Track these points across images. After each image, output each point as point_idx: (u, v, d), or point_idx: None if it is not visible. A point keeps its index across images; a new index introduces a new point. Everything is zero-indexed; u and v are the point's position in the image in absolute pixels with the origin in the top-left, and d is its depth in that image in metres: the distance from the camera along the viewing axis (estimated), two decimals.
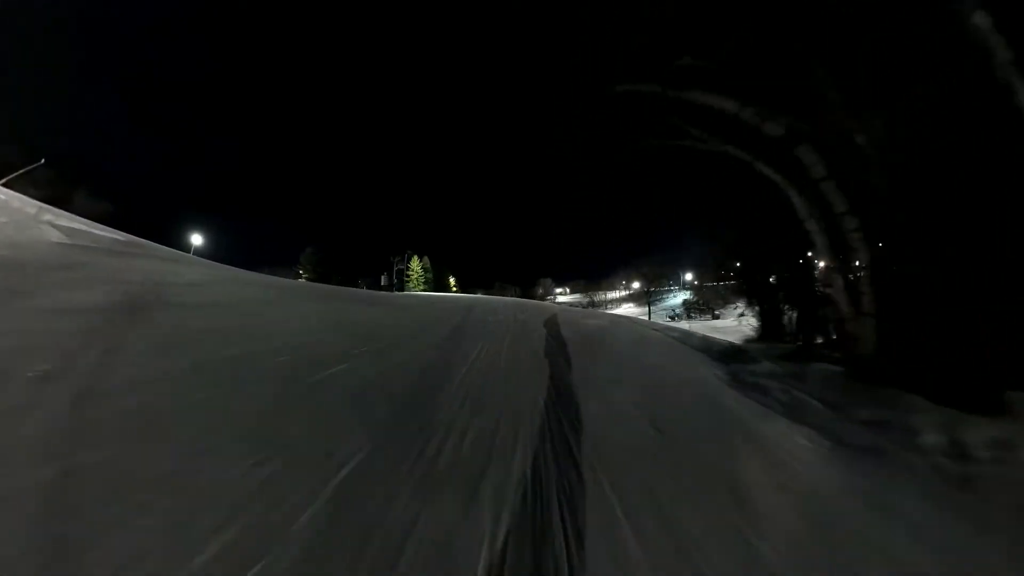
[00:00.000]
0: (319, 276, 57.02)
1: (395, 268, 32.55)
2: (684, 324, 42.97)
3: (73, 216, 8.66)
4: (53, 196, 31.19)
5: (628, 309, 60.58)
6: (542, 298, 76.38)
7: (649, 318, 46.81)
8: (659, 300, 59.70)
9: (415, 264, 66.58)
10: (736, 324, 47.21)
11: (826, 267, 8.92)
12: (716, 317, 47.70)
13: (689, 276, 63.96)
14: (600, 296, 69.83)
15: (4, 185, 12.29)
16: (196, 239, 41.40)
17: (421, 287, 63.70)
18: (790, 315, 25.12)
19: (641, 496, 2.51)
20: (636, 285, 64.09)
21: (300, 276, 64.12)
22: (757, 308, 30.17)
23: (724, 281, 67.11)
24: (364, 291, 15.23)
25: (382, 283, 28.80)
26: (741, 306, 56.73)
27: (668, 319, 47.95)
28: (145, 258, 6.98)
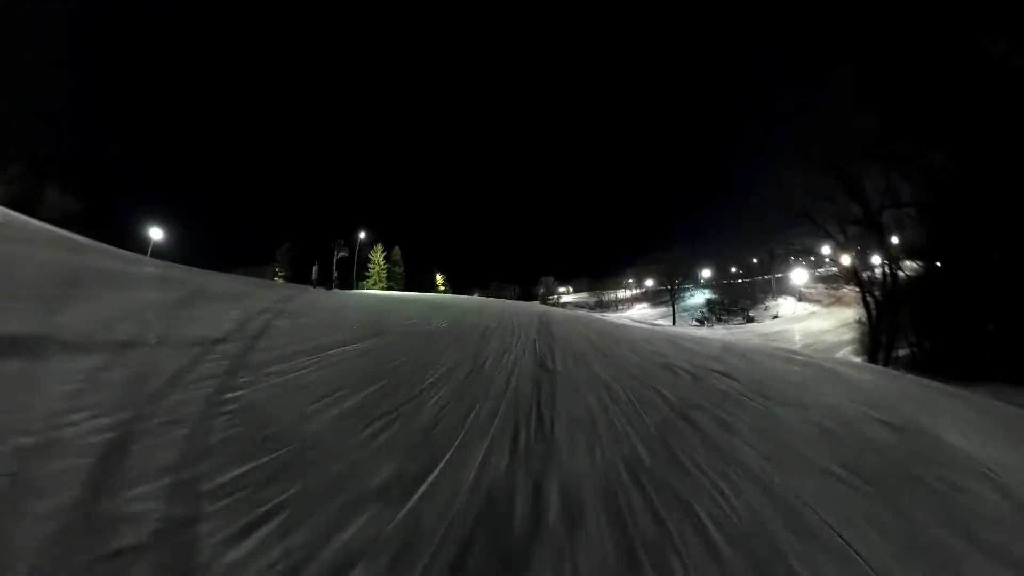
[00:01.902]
0: (297, 275, 49.10)
1: (336, 255, 25.95)
2: (721, 330, 37.12)
3: None
4: (22, 191, 28.32)
5: (642, 311, 54.67)
6: (543, 298, 70.26)
7: (673, 322, 40.79)
8: (676, 300, 53.70)
9: (377, 255, 52.96)
10: (776, 328, 41.34)
11: None
12: (751, 320, 41.80)
13: (707, 273, 58.15)
14: (609, 296, 63.81)
15: None
16: (156, 233, 38.08)
17: (381, 285, 50.82)
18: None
19: None
20: (649, 283, 58.16)
21: (277, 275, 56.69)
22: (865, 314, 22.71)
23: (750, 278, 61.55)
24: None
25: (312, 276, 23.09)
26: (771, 307, 51.02)
27: (695, 323, 41.96)
28: None
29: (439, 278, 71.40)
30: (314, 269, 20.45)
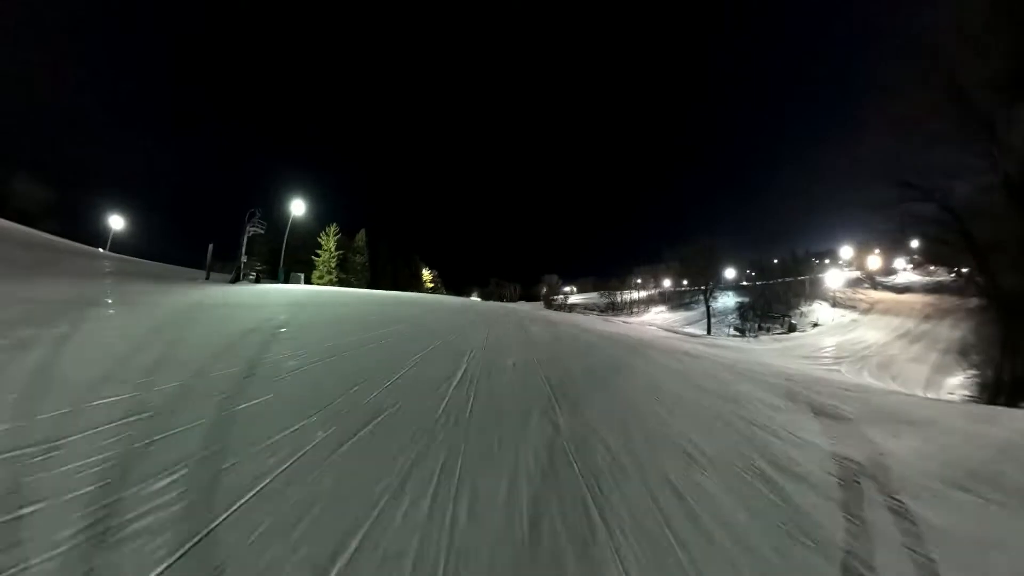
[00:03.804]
0: (273, 267, 41.51)
1: (247, 232, 20.48)
2: (770, 342, 31.97)
3: None
4: None
5: (661, 315, 49.35)
6: (547, 299, 64.62)
7: (708, 331, 35.49)
8: (697, 303, 48.52)
9: (328, 239, 40.50)
10: (831, 340, 36.28)
11: None
12: (793, 328, 36.79)
13: (730, 273, 52.96)
14: (622, 297, 58.33)
15: None
16: (116, 222, 35.57)
17: (327, 279, 39.09)
18: None
19: None
20: (667, 283, 52.89)
21: (257, 270, 49.30)
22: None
23: (770, 280, 56.60)
24: None
25: (207, 262, 18.01)
26: (807, 312, 46.19)
27: (734, 333, 36.67)
28: None
29: (426, 273, 64.08)
30: (209, 250, 14.70)
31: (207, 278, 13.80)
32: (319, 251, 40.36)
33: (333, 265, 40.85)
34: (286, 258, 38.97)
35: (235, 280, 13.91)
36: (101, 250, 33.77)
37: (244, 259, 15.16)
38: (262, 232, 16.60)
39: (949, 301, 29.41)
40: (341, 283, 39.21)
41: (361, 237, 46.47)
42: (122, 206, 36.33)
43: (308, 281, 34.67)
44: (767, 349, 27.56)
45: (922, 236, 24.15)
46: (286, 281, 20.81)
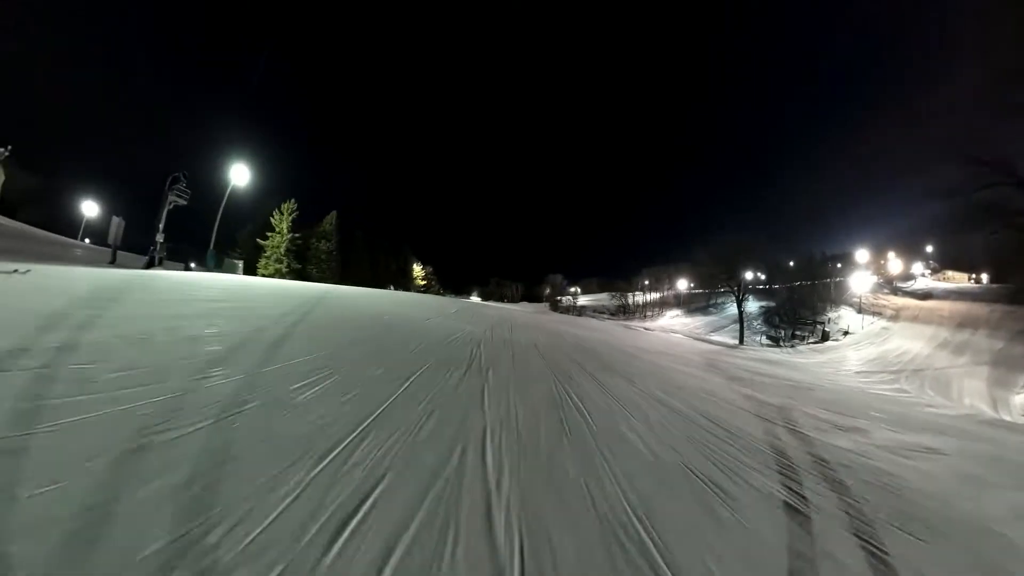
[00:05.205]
0: (254, 259, 35.51)
1: (167, 203, 17.73)
2: (811, 354, 29.18)
3: None
4: None
5: (677, 319, 46.53)
6: (552, 301, 61.60)
7: (741, 340, 32.65)
8: (715, 308, 45.76)
9: (282, 220, 33.45)
10: (876, 350, 33.68)
11: None
12: (825, 336, 34.03)
13: (747, 275, 50.23)
14: (635, 299, 55.32)
15: None
16: (89, 208, 32.98)
17: (274, 268, 32.31)
18: None
19: None
20: (682, 285, 50.10)
21: (241, 258, 44.61)
22: None
23: (786, 283, 54.01)
24: None
25: (110, 240, 15.84)
26: (834, 319, 43.69)
27: (767, 342, 33.81)
28: None
29: (418, 269, 57.41)
30: (113, 225, 11.75)
31: (112, 261, 10.91)
32: (270, 233, 33.59)
33: (283, 252, 33.65)
34: (243, 242, 32.79)
35: (150, 264, 10.92)
36: (87, 241, 30.70)
37: (161, 238, 12.13)
38: (184, 203, 13.50)
39: (1007, 309, 26.60)
40: (297, 274, 32.74)
41: (330, 220, 39.29)
42: (121, 203, 33.96)
43: (252, 270, 28.61)
44: (812, 362, 24.77)
45: (1005, 226, 21.29)
46: (218, 268, 16.88)
